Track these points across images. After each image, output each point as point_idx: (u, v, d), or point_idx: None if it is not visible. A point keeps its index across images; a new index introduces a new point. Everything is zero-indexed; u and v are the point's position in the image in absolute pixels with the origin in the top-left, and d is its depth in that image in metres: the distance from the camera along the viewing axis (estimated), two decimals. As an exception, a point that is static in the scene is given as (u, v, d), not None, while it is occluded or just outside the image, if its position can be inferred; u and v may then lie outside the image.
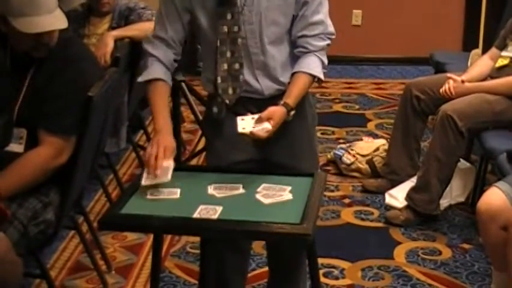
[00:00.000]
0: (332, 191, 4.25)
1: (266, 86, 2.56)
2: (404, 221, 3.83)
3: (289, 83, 2.55)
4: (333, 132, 5.12)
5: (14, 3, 2.67)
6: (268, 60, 2.53)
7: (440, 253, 3.58)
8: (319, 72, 2.55)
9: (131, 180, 3.99)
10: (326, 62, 2.58)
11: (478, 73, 3.97)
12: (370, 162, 4.40)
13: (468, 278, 3.36)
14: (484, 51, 4.31)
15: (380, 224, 3.86)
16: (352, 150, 4.48)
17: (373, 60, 6.79)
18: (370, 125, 5.28)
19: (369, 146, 4.49)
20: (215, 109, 2.55)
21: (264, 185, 2.42)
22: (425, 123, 4.16)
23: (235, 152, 2.57)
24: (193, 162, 4.49)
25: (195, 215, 2.24)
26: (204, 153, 4.41)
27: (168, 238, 3.60)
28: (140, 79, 2.57)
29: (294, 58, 2.57)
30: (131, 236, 3.66)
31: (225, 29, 2.47)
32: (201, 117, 4.27)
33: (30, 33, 2.67)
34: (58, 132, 2.70)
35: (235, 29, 2.47)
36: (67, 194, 2.82)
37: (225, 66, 2.50)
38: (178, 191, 2.39)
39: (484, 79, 3.94)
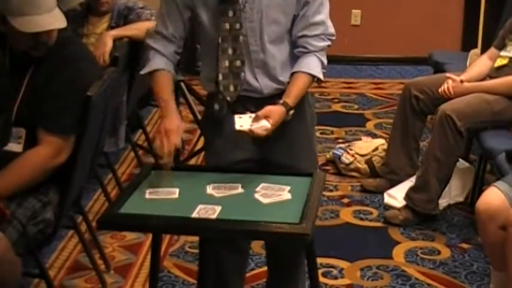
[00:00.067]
0: (331, 190, 4.25)
1: (265, 84, 2.56)
2: (403, 220, 3.83)
3: (288, 82, 2.55)
4: (332, 132, 5.12)
5: (13, 3, 2.67)
6: (268, 59, 2.53)
7: (439, 253, 3.58)
8: (318, 73, 2.55)
9: (130, 179, 3.99)
10: (326, 62, 2.58)
11: (477, 73, 3.97)
12: (369, 162, 4.40)
13: (467, 277, 3.36)
14: (483, 51, 4.31)
15: (379, 224, 3.86)
16: (351, 150, 4.48)
17: (372, 60, 6.80)
18: (369, 125, 5.29)
19: (367, 146, 4.49)
20: (216, 106, 2.55)
21: (262, 184, 2.42)
22: (424, 123, 4.16)
23: (234, 151, 2.57)
24: (192, 161, 4.49)
25: (194, 215, 2.24)
26: (203, 153, 4.41)
27: (166, 238, 3.59)
28: (142, 72, 2.60)
29: (294, 58, 2.57)
30: (130, 236, 3.66)
31: (227, 26, 2.47)
32: (200, 117, 4.27)
33: (29, 33, 2.67)
34: (57, 132, 2.70)
35: (237, 26, 2.47)
36: (66, 194, 2.81)
37: (227, 63, 2.50)
38: (177, 190, 2.39)
39: (483, 79, 3.94)
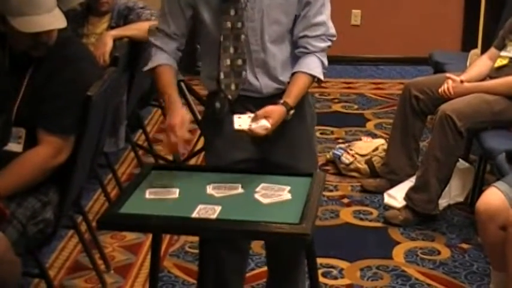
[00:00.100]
0: (331, 190, 4.25)
1: (265, 84, 2.56)
2: (403, 220, 3.83)
3: (288, 82, 2.55)
4: (332, 132, 5.12)
5: (13, 3, 2.67)
6: (268, 58, 2.53)
7: (439, 253, 3.58)
8: (319, 73, 2.56)
9: (130, 179, 3.99)
10: (326, 63, 2.59)
11: (477, 73, 3.97)
12: (369, 162, 4.40)
13: (467, 277, 3.36)
14: (483, 51, 4.31)
15: (379, 224, 3.86)
16: (351, 150, 4.48)
17: (372, 60, 6.80)
18: (369, 125, 5.29)
19: (367, 146, 4.49)
20: (217, 104, 2.55)
21: (262, 184, 2.42)
22: (424, 123, 4.16)
23: (234, 151, 2.57)
24: (192, 162, 4.48)
25: (194, 215, 2.24)
26: (203, 153, 4.41)
27: (166, 238, 3.59)
28: (145, 68, 2.60)
29: (295, 58, 2.57)
30: (130, 236, 3.66)
31: (229, 24, 2.47)
32: (200, 117, 4.27)
33: (29, 33, 2.67)
34: (57, 132, 2.70)
35: (239, 25, 2.48)
36: (66, 194, 2.81)
37: (228, 61, 2.50)
38: (177, 190, 2.39)
39: (483, 79, 3.94)
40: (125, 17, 4.06)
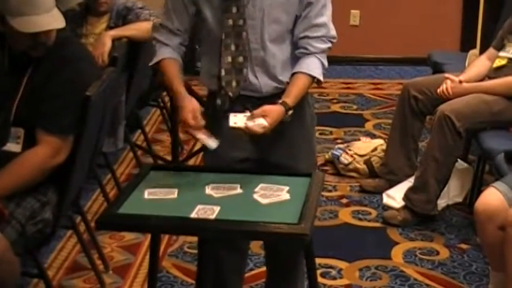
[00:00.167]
0: (330, 191, 4.25)
1: (265, 83, 2.56)
2: (401, 221, 3.83)
3: (288, 83, 2.55)
4: (331, 133, 5.12)
5: (12, 3, 2.67)
6: (267, 57, 2.54)
7: (437, 253, 3.58)
8: (318, 74, 2.56)
9: (129, 180, 3.99)
10: (326, 64, 2.59)
11: (476, 73, 3.97)
12: (367, 162, 4.40)
13: (466, 278, 3.36)
14: (482, 52, 4.31)
15: (377, 224, 3.86)
16: (350, 150, 4.48)
17: (371, 61, 6.80)
18: (368, 125, 5.29)
19: (366, 146, 4.49)
20: (218, 101, 2.55)
21: (261, 185, 2.42)
22: (423, 124, 4.16)
23: (232, 150, 2.57)
24: (191, 162, 4.48)
25: (193, 215, 2.24)
26: (201, 153, 4.40)
27: (165, 238, 3.59)
28: (151, 64, 2.62)
29: (295, 58, 2.57)
30: (129, 236, 3.66)
31: (230, 22, 2.48)
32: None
33: (28, 33, 2.67)
34: (56, 132, 2.70)
35: (240, 22, 2.48)
36: (65, 194, 2.81)
37: (229, 59, 2.51)
38: (176, 191, 2.39)
39: (481, 79, 3.94)
40: (124, 17, 4.06)
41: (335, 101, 5.85)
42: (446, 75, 3.99)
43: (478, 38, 5.94)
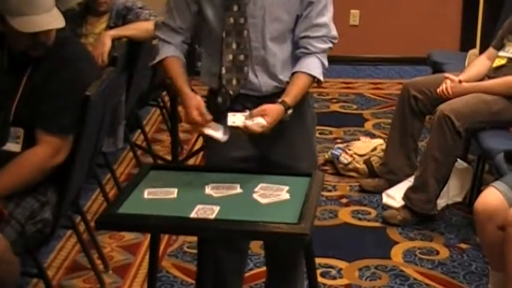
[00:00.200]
0: (329, 190, 4.25)
1: (264, 82, 2.56)
2: (401, 220, 3.83)
3: (288, 82, 2.56)
4: (331, 132, 5.12)
5: (11, 3, 2.67)
6: (268, 56, 2.54)
7: (437, 253, 3.58)
8: (319, 74, 2.56)
9: (128, 179, 3.98)
10: (326, 64, 2.59)
11: (476, 73, 3.97)
12: (367, 162, 4.40)
13: (465, 277, 3.36)
14: (482, 51, 4.31)
15: (377, 224, 3.86)
16: (349, 150, 4.48)
17: (370, 60, 6.80)
18: (368, 125, 5.29)
19: (366, 146, 4.49)
20: (219, 99, 2.55)
21: (261, 184, 2.42)
22: (422, 123, 4.16)
23: (232, 149, 2.57)
24: (191, 161, 4.49)
25: (192, 215, 2.24)
26: (201, 153, 4.42)
27: (165, 238, 3.59)
28: (154, 62, 2.63)
29: (296, 58, 2.58)
30: (128, 236, 3.66)
31: (231, 20, 2.49)
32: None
33: (27, 33, 2.67)
34: (55, 132, 2.70)
35: (242, 20, 2.49)
36: (64, 194, 2.81)
37: (230, 57, 2.51)
38: (176, 190, 2.39)
39: (481, 79, 3.94)
40: (124, 17, 4.06)
41: (335, 100, 5.85)
42: (446, 74, 3.99)
43: (478, 38, 5.95)
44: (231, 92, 2.53)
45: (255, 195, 2.36)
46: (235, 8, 2.48)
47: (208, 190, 2.40)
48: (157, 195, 2.38)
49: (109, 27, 4.05)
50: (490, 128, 3.75)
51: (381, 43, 6.74)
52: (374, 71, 6.67)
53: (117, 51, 3.72)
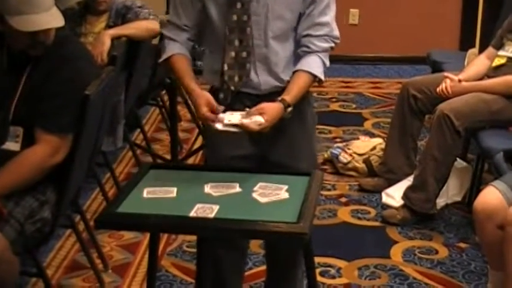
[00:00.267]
0: (329, 190, 4.25)
1: (264, 80, 2.56)
2: (401, 220, 3.83)
3: (289, 81, 2.56)
4: (330, 131, 5.12)
5: (11, 2, 2.66)
6: (270, 54, 2.54)
7: (436, 252, 3.58)
8: (320, 73, 2.56)
9: (128, 179, 3.98)
10: (328, 63, 2.59)
11: (475, 72, 3.97)
12: (366, 161, 4.40)
13: (465, 277, 3.36)
14: (481, 51, 4.31)
15: (377, 223, 3.86)
16: (348, 149, 4.48)
17: (370, 59, 6.79)
18: (367, 124, 5.29)
19: (365, 145, 4.49)
20: (221, 95, 2.56)
21: (260, 183, 2.42)
22: (422, 123, 4.16)
23: (232, 147, 2.58)
24: (190, 161, 4.49)
25: (192, 214, 2.24)
26: (200, 152, 4.42)
27: (164, 237, 3.59)
28: (160, 60, 2.64)
29: (298, 57, 2.58)
30: (128, 235, 3.66)
31: (235, 17, 2.49)
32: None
33: (26, 32, 2.67)
34: (55, 131, 2.70)
35: (245, 18, 2.49)
36: (64, 193, 2.81)
37: (233, 54, 2.52)
38: (175, 189, 2.39)
39: (480, 78, 3.94)
40: (123, 16, 4.06)
41: (334, 99, 5.85)
42: (446, 74, 3.99)
43: (477, 37, 5.94)
44: (232, 88, 2.53)
45: (254, 195, 2.36)
46: (239, 5, 2.48)
47: (207, 189, 2.40)
48: (157, 194, 2.38)
49: (108, 26, 4.05)
50: (490, 128, 3.75)
51: (380, 42, 6.73)
52: (373, 70, 6.67)
53: (117, 50, 3.72)
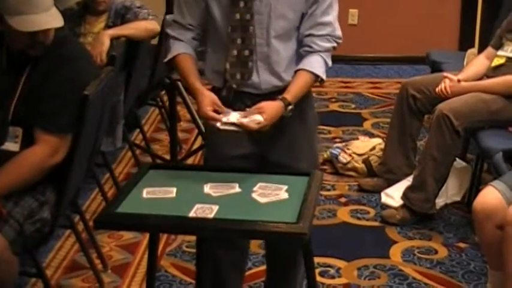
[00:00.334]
0: (328, 190, 4.25)
1: (265, 80, 2.56)
2: (400, 220, 3.83)
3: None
4: (329, 132, 5.12)
5: (10, 2, 2.66)
6: (271, 53, 2.54)
7: (436, 252, 3.58)
8: (321, 72, 2.57)
9: (127, 179, 3.99)
10: (330, 63, 2.60)
11: (474, 72, 3.97)
12: (366, 162, 4.41)
13: (464, 277, 3.36)
14: (480, 51, 4.32)
15: (376, 223, 3.87)
16: (348, 149, 4.48)
17: (369, 60, 6.80)
18: (367, 124, 5.29)
19: (365, 145, 4.49)
20: (224, 93, 2.56)
21: (260, 184, 2.42)
22: (421, 123, 4.16)
23: (232, 146, 2.58)
24: (190, 161, 4.48)
25: (191, 214, 2.24)
26: (200, 152, 4.42)
27: (164, 237, 3.59)
28: (165, 60, 2.64)
29: (300, 56, 2.58)
30: (127, 235, 3.66)
31: (237, 16, 2.50)
32: (197, 116, 4.27)
33: (26, 32, 2.67)
34: (54, 131, 2.70)
35: (248, 16, 2.49)
36: (63, 193, 2.81)
37: (235, 52, 2.52)
38: (174, 190, 2.39)
39: (480, 78, 3.94)
40: (122, 16, 4.06)
41: (333, 100, 5.85)
42: (445, 74, 3.99)
43: (477, 37, 5.95)
44: (234, 85, 2.54)
45: (253, 195, 2.36)
46: (242, 4, 2.49)
47: (207, 189, 2.40)
48: (156, 194, 2.37)
49: (108, 26, 4.05)
50: (489, 128, 3.75)
51: (379, 42, 6.74)
52: (373, 70, 6.67)
53: (116, 50, 3.72)
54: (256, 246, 3.43)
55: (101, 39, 3.89)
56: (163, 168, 2.69)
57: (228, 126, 2.42)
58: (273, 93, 2.54)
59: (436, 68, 4.86)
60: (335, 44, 2.59)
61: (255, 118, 2.41)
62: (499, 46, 3.97)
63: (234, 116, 2.43)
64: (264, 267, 3.03)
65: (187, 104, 4.56)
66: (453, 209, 4.00)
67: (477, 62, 4.04)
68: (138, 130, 4.82)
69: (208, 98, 2.47)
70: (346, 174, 4.43)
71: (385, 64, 6.75)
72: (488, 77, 3.91)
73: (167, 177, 2.50)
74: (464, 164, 4.10)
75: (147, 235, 2.74)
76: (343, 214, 3.97)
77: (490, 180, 3.14)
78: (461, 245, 3.64)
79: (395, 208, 3.88)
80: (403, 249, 3.60)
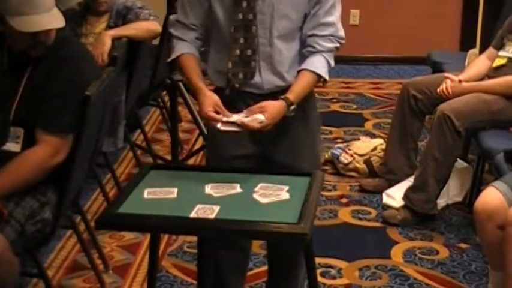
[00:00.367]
0: (329, 190, 4.25)
1: (267, 79, 2.56)
2: (401, 220, 3.83)
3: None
4: (331, 132, 5.12)
5: (11, 2, 2.67)
6: (273, 53, 2.54)
7: (437, 253, 3.58)
8: (324, 72, 2.57)
9: (128, 179, 3.99)
10: (332, 63, 2.60)
11: (476, 73, 3.97)
12: (367, 162, 4.40)
13: (465, 277, 3.36)
14: (482, 51, 4.31)
15: (377, 224, 3.86)
16: (349, 149, 4.48)
17: (370, 60, 6.80)
18: (368, 125, 5.29)
19: (366, 146, 4.49)
20: (227, 91, 2.56)
21: (261, 184, 2.42)
22: (422, 123, 4.16)
23: (233, 146, 2.58)
24: (191, 161, 4.48)
25: (192, 215, 2.23)
26: (201, 153, 4.42)
27: (165, 238, 3.59)
28: (169, 60, 2.65)
29: (303, 57, 2.58)
30: (128, 236, 3.66)
31: (240, 16, 2.50)
32: (198, 117, 4.27)
33: (27, 32, 2.67)
34: (55, 132, 2.70)
35: (250, 16, 2.50)
36: (64, 193, 2.81)
37: (238, 52, 2.52)
38: (176, 190, 2.39)
39: (481, 79, 3.94)
40: (124, 16, 4.06)
41: (334, 100, 5.85)
42: (446, 74, 3.99)
43: (478, 38, 5.95)
44: (236, 85, 2.54)
45: (255, 195, 2.36)
46: (244, 4, 2.49)
47: (208, 190, 2.39)
48: (157, 195, 2.37)
49: (109, 26, 4.05)
50: (490, 128, 3.75)
51: (380, 43, 6.74)
52: (374, 70, 6.67)
53: (117, 50, 3.72)
54: (257, 247, 3.43)
55: (102, 39, 3.89)
56: (164, 168, 2.69)
57: (228, 126, 2.43)
58: (276, 93, 2.54)
59: (437, 68, 4.87)
60: (338, 45, 2.59)
61: (257, 117, 2.41)
62: (500, 46, 3.97)
63: (236, 116, 2.43)
64: (265, 267, 3.03)
65: (189, 105, 4.55)
66: (454, 209, 4.00)
67: (478, 63, 4.04)
68: (139, 130, 4.82)
69: (210, 99, 2.47)
70: (347, 175, 4.43)
71: (386, 64, 6.75)
72: (489, 77, 3.91)
73: (168, 178, 2.50)
74: (465, 164, 4.09)
75: (148, 235, 2.73)
76: (344, 214, 3.97)
77: (491, 181, 3.14)
78: (463, 245, 3.64)
79: (397, 209, 3.88)
80: (405, 250, 3.60)
